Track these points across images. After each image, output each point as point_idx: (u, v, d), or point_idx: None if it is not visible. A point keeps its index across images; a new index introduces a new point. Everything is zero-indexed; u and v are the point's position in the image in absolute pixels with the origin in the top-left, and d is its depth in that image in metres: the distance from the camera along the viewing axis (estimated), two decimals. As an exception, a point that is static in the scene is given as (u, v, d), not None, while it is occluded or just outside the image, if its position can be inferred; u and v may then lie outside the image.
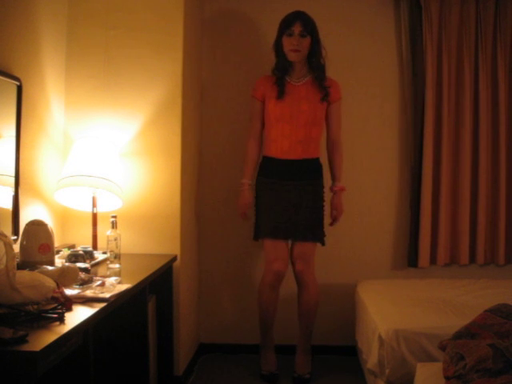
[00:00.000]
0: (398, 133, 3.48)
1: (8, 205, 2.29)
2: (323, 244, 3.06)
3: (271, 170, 3.05)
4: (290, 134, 2.99)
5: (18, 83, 2.29)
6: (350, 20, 3.47)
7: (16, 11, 2.34)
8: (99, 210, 2.74)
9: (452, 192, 3.41)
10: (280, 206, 2.99)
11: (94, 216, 2.72)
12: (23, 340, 1.37)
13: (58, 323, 1.55)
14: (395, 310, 2.64)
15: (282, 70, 3.03)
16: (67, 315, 1.61)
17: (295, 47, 2.95)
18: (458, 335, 2.00)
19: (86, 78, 2.87)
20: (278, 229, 2.99)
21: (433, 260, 3.41)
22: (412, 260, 3.41)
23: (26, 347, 1.35)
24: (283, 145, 3.00)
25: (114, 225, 2.38)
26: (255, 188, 3.11)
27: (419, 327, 2.40)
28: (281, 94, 2.99)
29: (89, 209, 2.75)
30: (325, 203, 3.10)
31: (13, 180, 2.30)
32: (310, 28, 2.95)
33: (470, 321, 2.08)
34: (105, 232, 2.44)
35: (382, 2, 3.44)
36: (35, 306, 1.61)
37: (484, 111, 3.35)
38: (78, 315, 1.65)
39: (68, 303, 1.69)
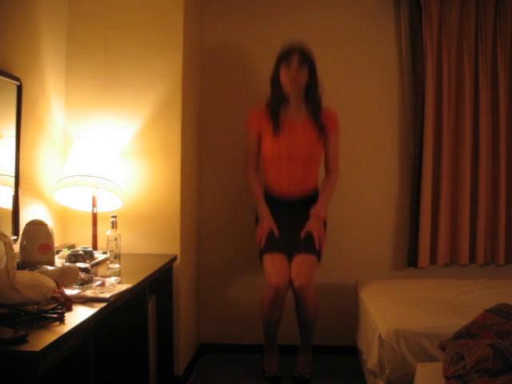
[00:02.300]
0: (398, 133, 3.48)
1: (8, 205, 2.29)
2: (319, 260, 3.02)
3: (271, 205, 3.05)
4: (289, 174, 2.99)
5: (17, 83, 2.29)
6: (350, 20, 3.46)
7: (16, 11, 2.34)
8: (99, 210, 2.74)
9: (452, 192, 3.40)
10: (280, 227, 3.00)
11: (94, 216, 2.72)
12: (23, 340, 1.37)
13: (58, 323, 1.55)
14: (395, 310, 2.64)
15: (277, 103, 2.99)
16: (67, 315, 1.61)
17: (293, 78, 2.91)
18: (458, 335, 2.00)
19: (86, 78, 2.87)
20: (277, 243, 2.97)
21: (433, 260, 3.41)
22: (412, 260, 3.41)
23: (26, 347, 1.35)
24: (283, 185, 3.02)
25: (113, 225, 2.38)
26: (256, 216, 3.11)
27: (419, 327, 2.39)
28: (277, 130, 2.96)
29: (89, 209, 2.75)
30: (326, 228, 3.10)
31: (13, 180, 2.30)
32: (307, 59, 2.92)
33: (470, 321, 2.08)
34: (105, 232, 2.44)
35: (382, 2, 3.44)
36: (35, 306, 1.61)
37: (484, 111, 3.34)
38: (78, 315, 1.65)
39: (68, 303, 1.69)
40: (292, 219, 3.02)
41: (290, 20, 3.42)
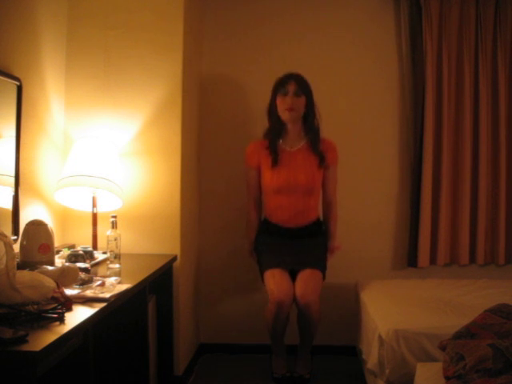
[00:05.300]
0: (398, 133, 3.48)
1: (8, 205, 2.29)
2: (323, 277, 2.99)
3: (272, 232, 3.04)
4: (289, 205, 2.96)
5: (18, 83, 2.29)
6: (350, 20, 3.46)
7: (16, 11, 2.34)
8: (99, 210, 2.74)
9: (452, 192, 3.40)
10: (281, 250, 2.98)
11: (94, 216, 2.72)
12: (23, 340, 1.37)
13: (57, 323, 1.55)
14: (395, 310, 2.64)
15: (275, 133, 2.97)
16: (67, 315, 1.61)
17: (290, 106, 2.88)
18: (458, 335, 2.00)
19: (86, 78, 2.87)
20: (279, 260, 2.94)
21: (433, 260, 3.40)
22: (412, 260, 3.41)
23: (26, 347, 1.35)
24: (283, 216, 2.99)
25: (113, 225, 2.38)
26: (256, 242, 3.11)
27: (419, 327, 2.40)
28: (275, 162, 2.94)
29: (89, 209, 2.75)
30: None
31: (13, 180, 2.30)
32: (304, 87, 2.91)
33: (470, 321, 2.08)
34: (105, 232, 2.44)
35: (382, 2, 3.44)
36: (35, 306, 1.61)
37: (484, 111, 3.34)
38: (78, 315, 1.65)
39: (68, 303, 1.69)
40: (294, 244, 3.00)
41: (295, 16, 3.43)
